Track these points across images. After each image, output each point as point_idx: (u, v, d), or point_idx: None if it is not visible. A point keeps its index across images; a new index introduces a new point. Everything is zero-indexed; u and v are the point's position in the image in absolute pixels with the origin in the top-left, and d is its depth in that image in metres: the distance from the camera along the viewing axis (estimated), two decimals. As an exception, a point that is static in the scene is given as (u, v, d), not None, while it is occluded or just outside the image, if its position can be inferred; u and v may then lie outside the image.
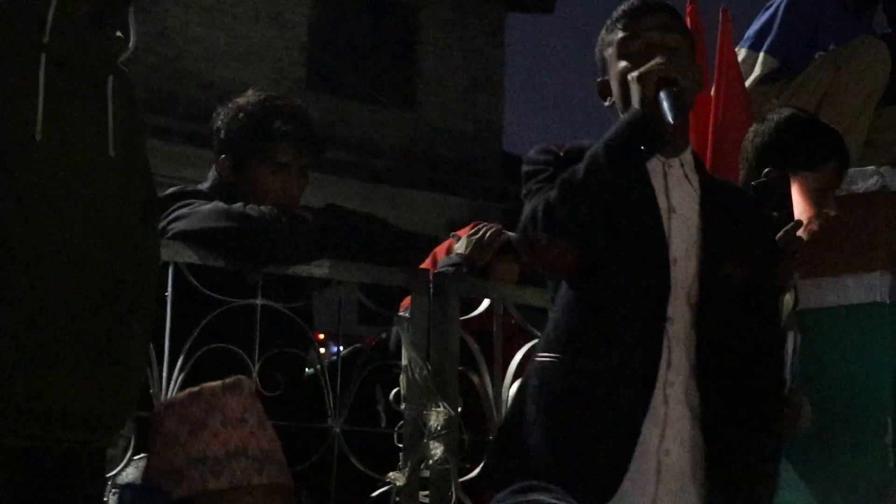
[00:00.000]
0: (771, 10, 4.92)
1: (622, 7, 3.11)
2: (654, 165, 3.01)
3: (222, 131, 3.76)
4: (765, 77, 4.84)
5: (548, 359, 2.97)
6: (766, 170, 3.51)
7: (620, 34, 3.05)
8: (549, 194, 2.87)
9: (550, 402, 2.93)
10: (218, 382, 2.75)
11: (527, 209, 2.91)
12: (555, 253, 2.88)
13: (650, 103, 2.86)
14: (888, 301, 4.26)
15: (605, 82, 3.10)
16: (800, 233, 3.28)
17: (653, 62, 2.91)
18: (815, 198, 3.54)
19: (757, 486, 3.01)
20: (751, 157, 3.63)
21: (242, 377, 2.82)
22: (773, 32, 4.86)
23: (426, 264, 4.50)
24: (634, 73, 2.91)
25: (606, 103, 3.11)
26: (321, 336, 7.37)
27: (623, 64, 3.00)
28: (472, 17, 18.32)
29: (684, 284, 2.96)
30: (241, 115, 3.75)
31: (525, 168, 3.04)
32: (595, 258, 2.91)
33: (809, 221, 3.48)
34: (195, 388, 2.77)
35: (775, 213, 3.27)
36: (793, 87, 4.79)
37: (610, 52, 3.07)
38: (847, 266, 3.91)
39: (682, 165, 3.05)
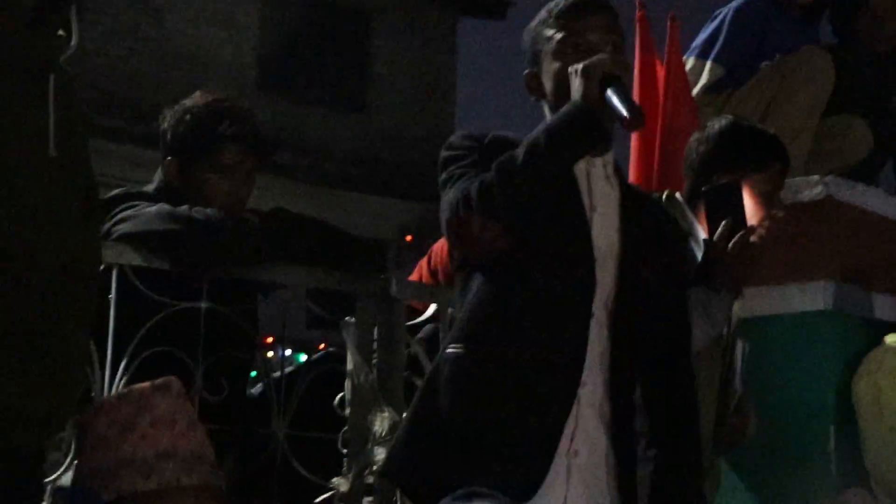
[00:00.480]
0: (718, 20, 4.95)
1: (563, 2, 3.05)
2: (578, 163, 2.97)
3: (169, 133, 3.74)
4: (711, 86, 4.87)
5: (460, 350, 2.89)
6: (716, 175, 3.54)
7: (561, 32, 3.00)
8: (484, 177, 2.82)
9: (466, 394, 2.85)
10: (147, 384, 2.74)
11: (454, 192, 2.85)
12: (488, 237, 2.83)
13: (594, 98, 2.83)
14: (832, 309, 4.29)
15: (534, 75, 3.06)
16: (752, 237, 3.30)
17: (598, 56, 2.88)
18: (763, 200, 3.57)
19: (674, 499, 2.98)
20: (696, 166, 3.65)
21: (172, 378, 2.81)
22: (720, 41, 4.89)
23: (414, 277, 4.48)
24: (578, 66, 2.87)
25: (534, 97, 3.07)
26: (269, 340, 7.34)
27: (559, 63, 2.96)
28: (425, 22, 18.33)
29: (603, 284, 2.92)
30: (188, 117, 3.73)
31: (446, 153, 2.97)
32: (518, 250, 2.86)
33: (760, 224, 3.50)
34: (124, 390, 2.76)
35: (728, 219, 3.29)
36: (738, 96, 4.82)
37: (547, 47, 3.01)
38: (792, 275, 3.95)
39: (604, 166, 3.02)
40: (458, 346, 2.89)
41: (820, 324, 4.30)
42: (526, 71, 3.07)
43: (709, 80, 4.85)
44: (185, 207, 3.46)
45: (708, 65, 4.87)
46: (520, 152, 2.83)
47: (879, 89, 5.10)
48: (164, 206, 3.47)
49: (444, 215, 2.88)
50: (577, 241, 2.92)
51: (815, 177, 4.44)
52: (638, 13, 4.80)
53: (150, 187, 3.73)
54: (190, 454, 2.69)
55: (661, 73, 4.63)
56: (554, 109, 2.96)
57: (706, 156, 3.64)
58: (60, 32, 2.55)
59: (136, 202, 3.53)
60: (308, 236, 3.64)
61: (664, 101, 4.57)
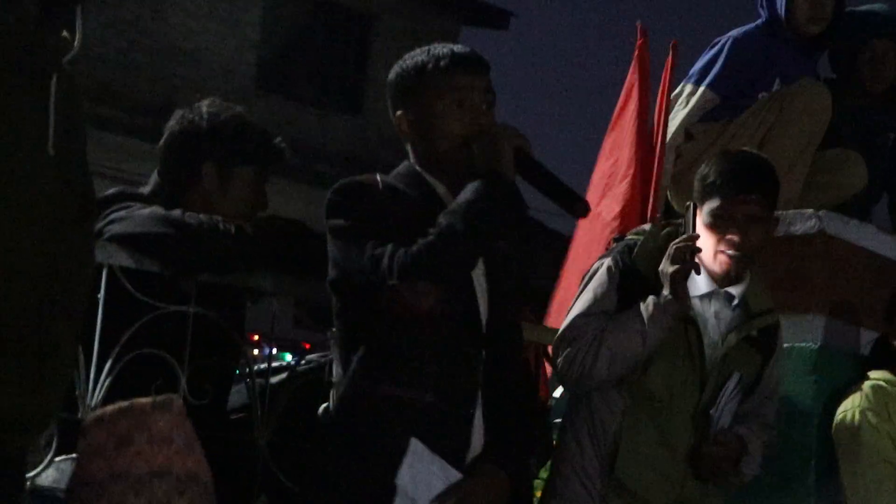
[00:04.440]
0: (716, 48, 4.95)
1: (448, 55, 3.16)
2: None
3: (209, 134, 3.68)
4: (706, 115, 4.87)
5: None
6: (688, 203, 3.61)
7: (456, 79, 3.14)
8: (421, 246, 2.98)
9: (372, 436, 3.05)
10: (148, 399, 2.72)
11: (380, 259, 3.03)
12: (432, 299, 3.02)
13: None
14: (818, 345, 4.29)
15: (406, 118, 3.21)
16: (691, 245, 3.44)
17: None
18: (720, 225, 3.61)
19: None
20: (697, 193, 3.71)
21: (174, 396, 2.80)
22: (717, 68, 4.89)
23: None
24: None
25: (405, 138, 3.23)
26: (255, 337, 7.29)
27: (458, 120, 3.12)
28: (427, 28, 18.33)
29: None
30: (238, 122, 3.74)
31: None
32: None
33: (719, 242, 3.59)
34: (125, 403, 2.73)
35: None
36: (735, 125, 4.82)
37: (432, 94, 3.15)
38: (781, 308, 3.94)
39: None
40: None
41: (805, 358, 4.30)
42: (398, 112, 3.22)
43: (697, 104, 4.85)
44: (178, 211, 3.45)
45: (700, 90, 4.87)
46: (459, 227, 2.99)
47: (874, 126, 5.11)
48: (157, 209, 3.46)
49: (371, 277, 3.04)
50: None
51: (809, 210, 4.44)
52: (639, 41, 4.82)
53: (144, 189, 3.72)
54: (185, 475, 2.67)
55: (659, 98, 4.65)
56: (424, 154, 3.18)
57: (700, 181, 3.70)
58: (64, 33, 2.55)
59: (130, 203, 3.52)
60: (299, 246, 3.63)
61: (659, 124, 4.60)
